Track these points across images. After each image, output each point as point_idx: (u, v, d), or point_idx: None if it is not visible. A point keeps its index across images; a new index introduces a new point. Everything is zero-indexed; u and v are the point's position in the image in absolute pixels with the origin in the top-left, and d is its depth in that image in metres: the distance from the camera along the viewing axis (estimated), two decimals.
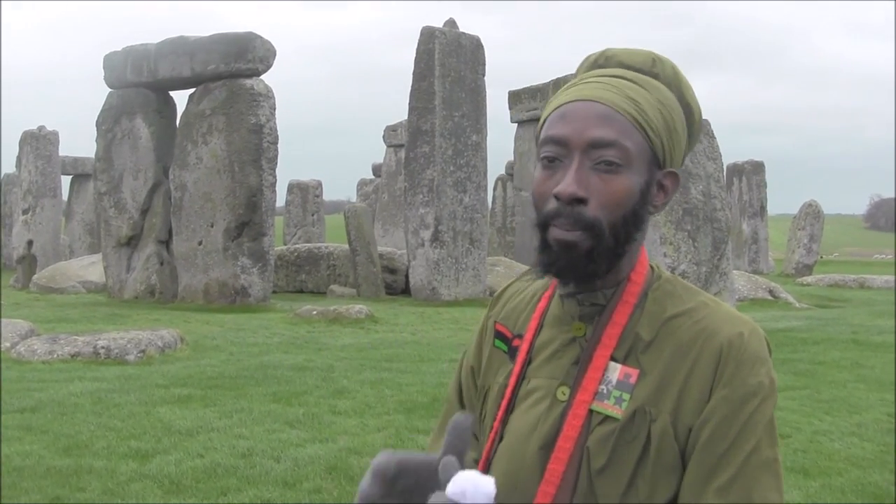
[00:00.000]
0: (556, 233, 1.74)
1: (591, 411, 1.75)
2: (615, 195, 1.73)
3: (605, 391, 1.75)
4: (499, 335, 1.98)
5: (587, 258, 1.74)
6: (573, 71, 1.98)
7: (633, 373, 1.75)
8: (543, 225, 1.76)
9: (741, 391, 1.70)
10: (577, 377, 1.78)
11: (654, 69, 1.86)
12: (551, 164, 1.77)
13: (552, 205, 1.74)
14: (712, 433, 1.68)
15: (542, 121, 1.85)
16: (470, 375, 2.04)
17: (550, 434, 1.76)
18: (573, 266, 1.75)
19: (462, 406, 2.07)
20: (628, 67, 1.86)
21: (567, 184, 1.71)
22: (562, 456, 1.73)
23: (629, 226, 1.77)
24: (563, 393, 1.79)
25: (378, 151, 40.12)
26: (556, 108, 1.81)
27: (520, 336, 1.93)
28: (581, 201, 1.72)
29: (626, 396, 1.74)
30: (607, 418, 1.73)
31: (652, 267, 1.89)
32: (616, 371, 1.76)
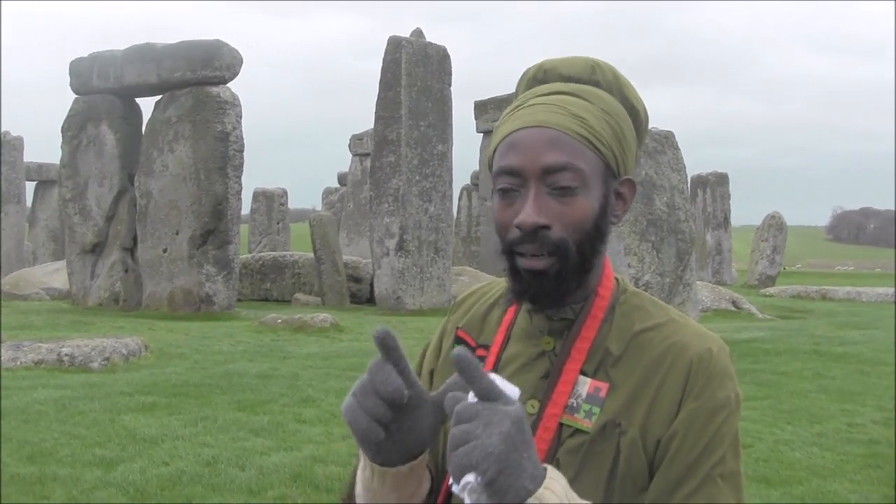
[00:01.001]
0: (524, 262, 1.75)
1: (560, 424, 1.76)
2: (576, 217, 1.74)
3: (574, 405, 1.77)
4: (460, 341, 1.97)
5: (557, 281, 1.76)
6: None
7: (603, 386, 1.77)
8: (509, 252, 1.78)
9: (710, 404, 1.72)
10: (547, 391, 1.79)
11: (595, 76, 1.85)
12: (507, 194, 1.77)
13: (515, 233, 1.75)
14: (681, 444, 1.70)
15: (492, 148, 1.85)
16: (428, 378, 2.04)
17: None
18: (545, 291, 1.77)
19: None
20: (568, 79, 1.86)
21: (527, 214, 1.72)
22: None
23: (594, 241, 1.78)
24: (532, 406, 1.79)
25: (344, 160, 40.07)
26: (504, 137, 1.80)
27: (485, 346, 1.93)
28: (544, 227, 1.73)
29: (596, 410, 1.75)
30: (577, 431, 1.75)
31: (617, 279, 1.90)
32: (586, 385, 1.78)
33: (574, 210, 1.74)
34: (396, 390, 1.59)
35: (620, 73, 1.89)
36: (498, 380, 1.54)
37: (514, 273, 1.79)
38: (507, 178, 1.77)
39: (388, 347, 1.60)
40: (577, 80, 1.85)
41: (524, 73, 1.94)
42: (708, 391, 1.73)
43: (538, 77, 1.90)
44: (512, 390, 1.54)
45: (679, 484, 1.69)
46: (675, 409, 1.73)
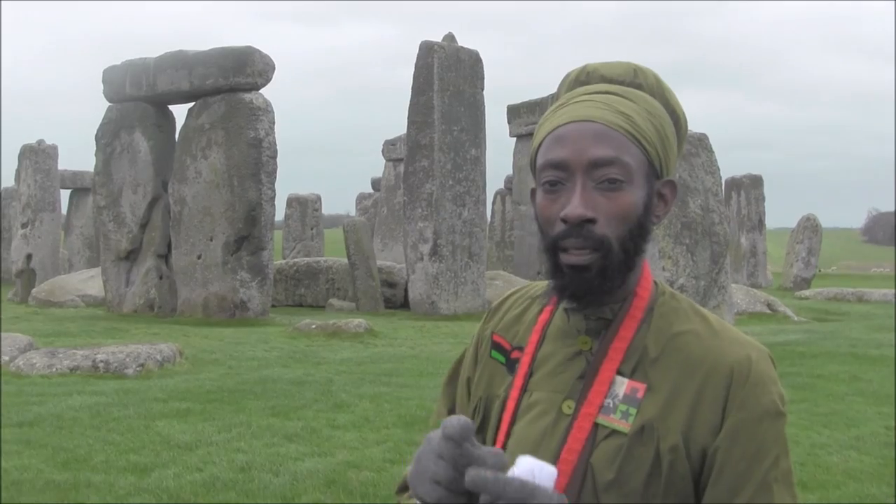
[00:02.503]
0: (567, 258, 1.75)
1: (596, 425, 1.75)
2: (621, 211, 1.74)
3: (611, 405, 1.76)
4: (496, 346, 1.97)
5: (600, 277, 1.75)
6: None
7: (641, 387, 1.76)
8: (552, 248, 1.77)
9: (756, 412, 1.72)
10: (583, 391, 1.78)
11: (637, 80, 1.87)
12: (553, 187, 1.77)
13: (560, 228, 1.75)
14: (731, 454, 1.69)
15: (535, 144, 1.85)
16: (465, 386, 2.03)
17: (558, 448, 1.76)
18: (587, 287, 1.76)
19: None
20: (611, 81, 1.87)
21: (574, 206, 1.72)
22: (566, 469, 1.72)
23: (637, 238, 1.78)
24: (568, 406, 1.78)
25: (377, 165, 40.16)
26: (550, 132, 1.81)
27: (519, 348, 1.92)
28: (589, 221, 1.73)
29: (633, 411, 1.74)
30: (614, 432, 1.74)
31: (655, 282, 1.90)
32: (623, 385, 1.77)
33: (620, 204, 1.75)
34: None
35: (662, 78, 1.91)
36: (530, 461, 1.50)
37: (556, 269, 1.78)
38: (553, 171, 1.77)
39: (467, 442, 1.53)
40: (620, 83, 1.87)
41: (566, 76, 1.95)
42: (752, 400, 1.73)
43: (580, 79, 1.91)
44: (549, 471, 1.50)
45: (735, 493, 1.69)
46: (718, 419, 1.72)
